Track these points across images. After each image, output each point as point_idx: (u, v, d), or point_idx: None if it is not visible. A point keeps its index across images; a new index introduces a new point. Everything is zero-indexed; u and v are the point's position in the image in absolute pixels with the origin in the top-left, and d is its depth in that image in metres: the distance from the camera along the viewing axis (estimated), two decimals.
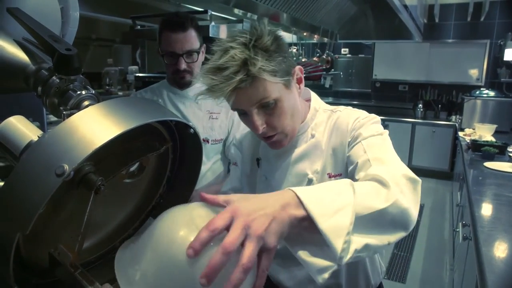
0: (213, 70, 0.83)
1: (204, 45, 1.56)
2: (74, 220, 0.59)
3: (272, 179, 1.04)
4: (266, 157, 1.07)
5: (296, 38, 4.07)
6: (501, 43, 5.25)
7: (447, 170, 5.53)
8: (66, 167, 0.47)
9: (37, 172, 0.48)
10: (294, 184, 0.95)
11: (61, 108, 0.62)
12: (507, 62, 5.06)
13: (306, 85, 1.03)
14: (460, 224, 2.40)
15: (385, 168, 0.76)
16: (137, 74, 3.50)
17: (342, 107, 1.04)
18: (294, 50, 4.04)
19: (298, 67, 0.95)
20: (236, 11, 2.48)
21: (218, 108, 1.59)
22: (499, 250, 1.41)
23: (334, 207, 0.59)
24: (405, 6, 3.83)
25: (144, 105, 0.63)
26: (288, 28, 3.55)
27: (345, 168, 0.96)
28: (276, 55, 0.86)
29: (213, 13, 2.33)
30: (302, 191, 0.59)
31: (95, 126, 0.52)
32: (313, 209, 0.57)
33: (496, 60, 5.45)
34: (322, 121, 1.02)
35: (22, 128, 0.58)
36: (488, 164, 2.71)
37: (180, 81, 1.56)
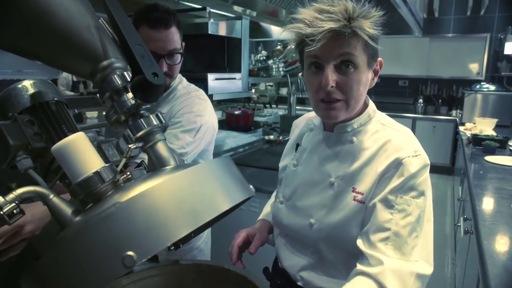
0: (319, 9, 0.83)
1: (183, 43, 1.39)
2: None
3: (299, 167, 1.04)
4: (305, 145, 1.05)
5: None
6: (501, 36, 5.23)
7: (448, 165, 5.53)
8: (135, 257, 0.41)
9: (103, 250, 0.42)
10: (315, 182, 0.98)
11: (127, 135, 0.55)
12: (508, 56, 5.05)
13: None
14: (462, 218, 2.40)
15: (398, 266, 0.81)
16: None
17: (395, 125, 0.98)
18: (293, 47, 4.02)
19: (380, 59, 0.94)
20: (235, 8, 2.47)
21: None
22: (501, 244, 1.41)
23: None
24: (404, 1, 3.81)
25: (229, 177, 0.54)
26: (287, 25, 3.54)
27: (370, 191, 0.90)
28: (376, 33, 0.85)
29: (211, 10, 2.32)
30: None
31: (176, 210, 0.46)
32: None
33: (497, 54, 5.44)
34: (370, 131, 0.96)
35: (83, 155, 0.50)
36: (489, 158, 2.70)
37: None
